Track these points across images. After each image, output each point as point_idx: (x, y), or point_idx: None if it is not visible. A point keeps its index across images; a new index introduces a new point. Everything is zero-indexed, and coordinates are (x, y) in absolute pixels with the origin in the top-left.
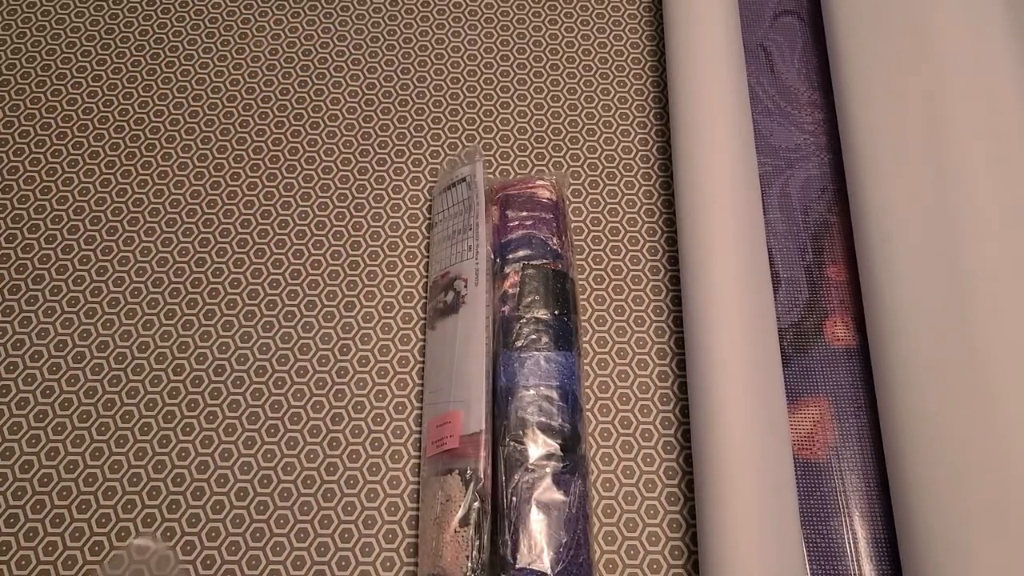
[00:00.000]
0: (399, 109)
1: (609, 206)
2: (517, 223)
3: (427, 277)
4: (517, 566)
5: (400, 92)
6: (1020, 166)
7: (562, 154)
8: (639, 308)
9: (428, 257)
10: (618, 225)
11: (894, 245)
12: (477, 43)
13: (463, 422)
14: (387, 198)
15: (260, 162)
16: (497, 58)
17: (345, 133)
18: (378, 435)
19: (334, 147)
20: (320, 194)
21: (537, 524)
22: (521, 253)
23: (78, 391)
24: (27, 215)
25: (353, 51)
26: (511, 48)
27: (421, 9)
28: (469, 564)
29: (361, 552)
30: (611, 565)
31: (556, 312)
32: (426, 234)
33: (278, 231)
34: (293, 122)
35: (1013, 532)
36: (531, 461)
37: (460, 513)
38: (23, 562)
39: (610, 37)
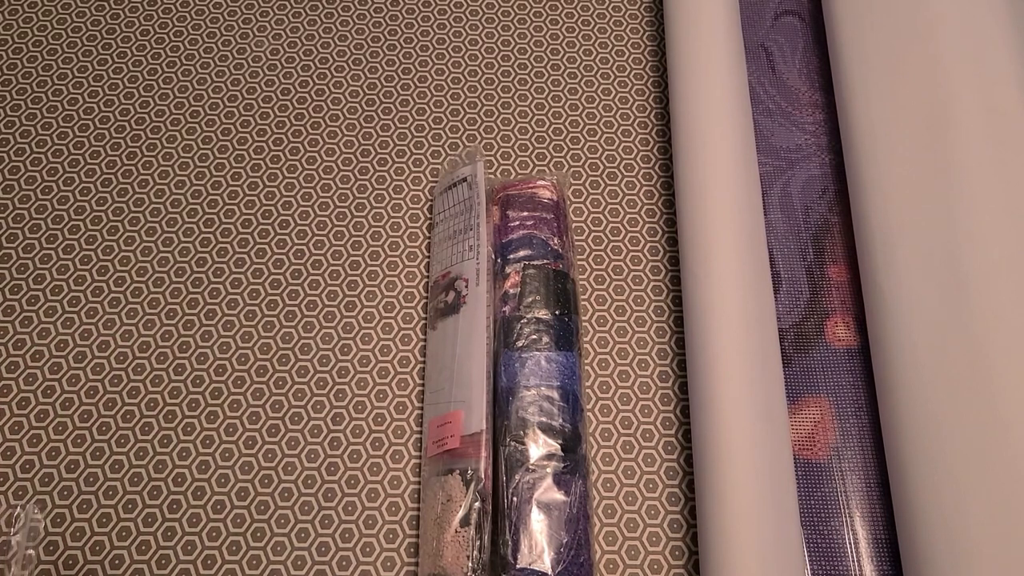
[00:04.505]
0: (400, 109)
1: (610, 206)
2: (518, 223)
3: (428, 277)
4: (518, 566)
5: (401, 92)
6: (1021, 166)
7: (563, 154)
8: (640, 308)
9: (429, 257)
10: (619, 225)
11: (895, 245)
12: (477, 43)
13: (464, 422)
14: (388, 198)
15: (261, 162)
16: (497, 58)
17: (346, 133)
18: (379, 435)
19: (335, 147)
20: (321, 194)
21: (538, 524)
22: (522, 253)
23: (79, 391)
24: (28, 215)
25: (354, 51)
26: (511, 48)
27: (421, 9)
28: (470, 564)
29: (362, 552)
30: (612, 565)
31: (557, 312)
32: (427, 234)
33: (279, 231)
34: (294, 122)
35: (1013, 532)
36: (532, 461)
37: (461, 513)
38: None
39: (610, 37)
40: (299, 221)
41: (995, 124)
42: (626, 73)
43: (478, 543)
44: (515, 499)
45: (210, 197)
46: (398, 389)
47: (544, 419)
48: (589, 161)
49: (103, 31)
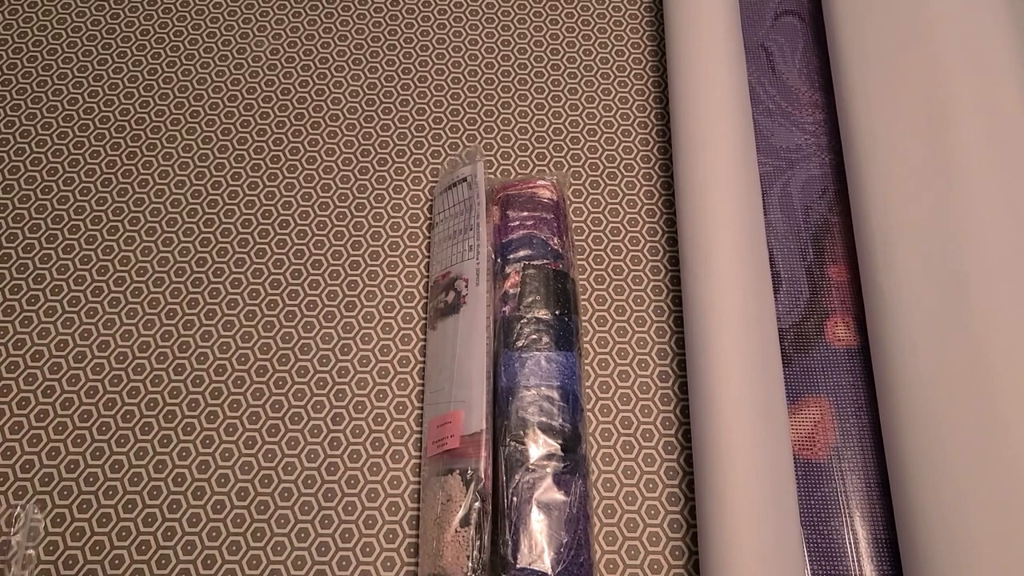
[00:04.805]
0: (400, 109)
1: (610, 206)
2: (518, 223)
3: (428, 277)
4: (518, 566)
5: (401, 92)
6: (1021, 166)
7: (563, 154)
8: (640, 308)
9: (429, 257)
10: (619, 225)
11: (895, 245)
12: (477, 43)
13: (464, 422)
14: (388, 198)
15: (261, 162)
16: (497, 58)
17: (346, 133)
18: (379, 435)
19: (335, 147)
20: (321, 194)
21: (538, 524)
22: (522, 253)
23: (79, 391)
24: (28, 215)
25: (354, 51)
26: (511, 48)
27: (421, 9)
28: (470, 564)
29: (362, 552)
30: (612, 565)
31: (557, 312)
32: (427, 234)
33: (279, 231)
34: (294, 122)
35: (1013, 532)
36: (532, 461)
37: (461, 513)
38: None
39: (610, 37)
40: (299, 221)
41: (995, 124)
42: (626, 73)
43: (478, 543)
44: (515, 499)
45: (210, 197)
46: (398, 389)
47: (544, 419)
48: (589, 161)
49: (103, 31)
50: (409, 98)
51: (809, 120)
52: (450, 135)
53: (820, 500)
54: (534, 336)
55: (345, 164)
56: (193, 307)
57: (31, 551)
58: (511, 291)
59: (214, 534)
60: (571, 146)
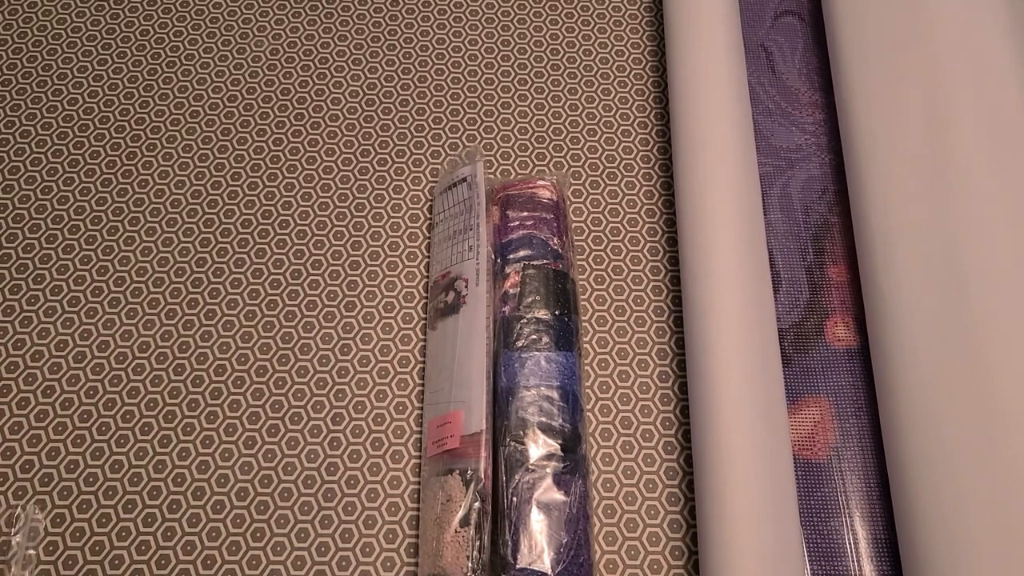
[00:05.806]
0: (400, 109)
1: (610, 206)
2: (518, 223)
3: (428, 277)
4: (518, 566)
5: (401, 92)
6: (1021, 166)
7: (563, 154)
8: (640, 308)
9: (429, 257)
10: (619, 225)
11: (895, 245)
12: (477, 43)
13: (464, 422)
14: (388, 198)
15: (261, 162)
16: (497, 58)
17: (346, 133)
18: (379, 435)
19: (335, 147)
20: (321, 194)
21: (538, 524)
22: (522, 253)
23: (79, 391)
24: (28, 215)
25: (354, 51)
26: (511, 48)
27: (421, 9)
28: (469, 564)
29: (361, 552)
30: (612, 565)
31: (557, 312)
32: (427, 234)
33: (279, 231)
34: (294, 122)
35: (1013, 532)
36: (532, 461)
37: (461, 513)
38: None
39: (610, 37)
40: (299, 221)
41: (995, 124)
42: (626, 73)
43: (478, 543)
44: (515, 499)
45: (210, 197)
46: (398, 389)
47: (544, 419)
48: (589, 161)
49: (103, 31)
50: (409, 98)
51: (809, 120)
52: (450, 135)
53: (820, 500)
54: (534, 336)
55: (345, 164)
56: (193, 307)
57: (31, 551)
58: (511, 291)
59: (214, 534)
60: (571, 146)
